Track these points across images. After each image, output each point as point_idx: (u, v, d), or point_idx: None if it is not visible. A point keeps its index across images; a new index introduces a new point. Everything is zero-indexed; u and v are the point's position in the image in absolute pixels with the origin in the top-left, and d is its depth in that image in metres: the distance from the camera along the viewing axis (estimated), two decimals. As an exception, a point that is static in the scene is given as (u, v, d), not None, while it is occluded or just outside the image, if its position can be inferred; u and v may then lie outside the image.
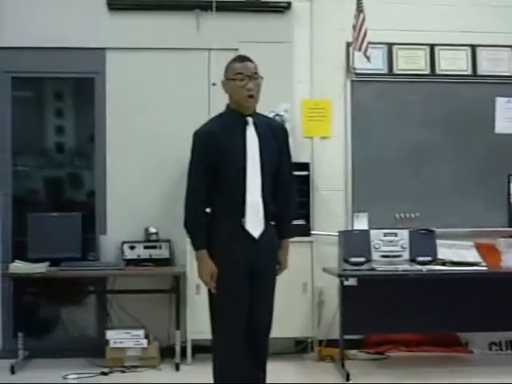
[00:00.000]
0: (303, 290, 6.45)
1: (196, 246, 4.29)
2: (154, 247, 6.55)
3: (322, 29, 6.94)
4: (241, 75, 4.22)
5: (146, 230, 6.59)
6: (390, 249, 6.11)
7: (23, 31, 6.70)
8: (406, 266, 6.05)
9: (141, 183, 6.73)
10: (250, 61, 4.30)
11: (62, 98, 7.44)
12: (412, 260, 6.10)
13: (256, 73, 4.27)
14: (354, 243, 6.15)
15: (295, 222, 4.90)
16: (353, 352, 6.60)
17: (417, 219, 6.81)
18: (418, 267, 6.04)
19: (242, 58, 4.32)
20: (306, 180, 6.61)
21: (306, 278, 6.45)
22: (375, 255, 6.09)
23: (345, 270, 6.08)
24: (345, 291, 6.03)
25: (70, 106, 7.41)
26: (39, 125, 7.24)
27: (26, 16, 6.73)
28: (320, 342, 6.60)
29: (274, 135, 4.37)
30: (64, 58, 6.74)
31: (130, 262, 6.47)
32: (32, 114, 7.27)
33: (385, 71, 7.01)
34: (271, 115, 6.01)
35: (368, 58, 6.49)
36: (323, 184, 6.87)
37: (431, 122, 7.01)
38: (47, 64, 6.75)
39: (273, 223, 4.39)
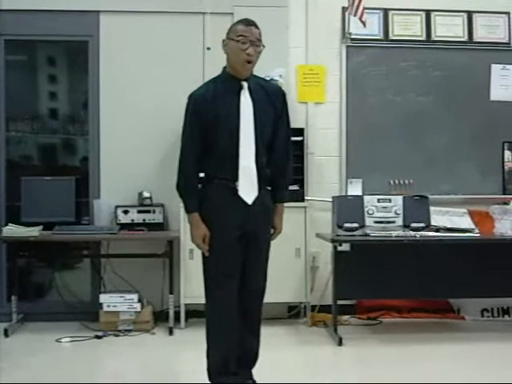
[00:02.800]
0: (296, 256, 6.46)
1: (188, 210, 4.30)
2: (148, 212, 6.54)
3: (317, -7, 6.90)
4: (243, 38, 4.17)
5: (140, 194, 6.59)
6: (384, 215, 6.13)
7: (16, -7, 6.64)
8: (400, 232, 6.06)
9: (134, 148, 6.71)
10: (256, 27, 4.23)
11: (55, 61, 7.40)
12: (405, 226, 6.12)
13: (259, 40, 4.22)
14: (347, 209, 6.16)
15: (289, 188, 4.89)
16: (345, 317, 6.64)
17: (411, 185, 6.82)
18: (412, 233, 6.05)
19: (249, 22, 4.24)
20: (300, 145, 6.59)
21: (299, 244, 6.46)
22: (369, 221, 6.11)
23: (338, 235, 6.09)
24: (338, 257, 6.05)
25: (63, 70, 7.38)
26: (33, 89, 7.19)
27: (19, -22, 6.68)
28: (313, 307, 6.63)
29: (270, 99, 4.33)
30: (57, 20, 6.66)
31: (123, 227, 6.46)
32: (25, 79, 7.23)
33: (380, 37, 6.97)
34: (266, 80, 6.00)
35: (364, 24, 6.46)
36: (317, 150, 6.86)
37: (426, 89, 7.00)
38: (40, 27, 6.67)
39: (268, 188, 4.39)
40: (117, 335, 6.16)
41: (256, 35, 4.21)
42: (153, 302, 6.52)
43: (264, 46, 4.25)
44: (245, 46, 4.17)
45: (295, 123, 6.43)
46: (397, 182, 6.87)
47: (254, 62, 4.24)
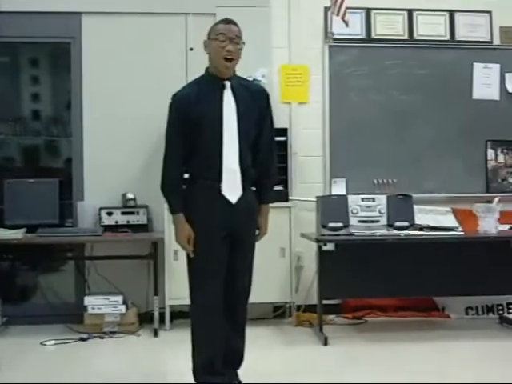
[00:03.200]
0: (281, 256, 6.47)
1: (173, 210, 4.30)
2: (132, 213, 6.53)
3: (300, -7, 6.91)
4: (222, 36, 4.19)
5: (124, 195, 6.57)
6: (368, 214, 6.12)
7: (-3, -5, 6.60)
8: (384, 231, 6.08)
9: (118, 149, 6.69)
10: (235, 24, 4.26)
11: (37, 63, 7.37)
12: (390, 225, 6.12)
13: (239, 37, 4.24)
14: (331, 208, 6.16)
15: (274, 188, 4.89)
16: (331, 317, 6.65)
17: (394, 184, 6.84)
18: (396, 232, 6.06)
19: (227, 21, 4.28)
20: (283, 145, 6.58)
21: (283, 244, 6.46)
22: (353, 220, 6.11)
23: (323, 235, 6.09)
24: (323, 256, 6.05)
25: (45, 71, 7.36)
26: (15, 91, 7.16)
27: (1, -20, 6.65)
28: (298, 307, 6.64)
29: (254, 99, 4.34)
30: (39, 22, 6.63)
31: (107, 228, 6.44)
32: (8, 80, 7.19)
33: (363, 36, 6.99)
34: (249, 80, 6.00)
35: (346, 23, 6.48)
36: (301, 150, 6.87)
37: (409, 88, 7.01)
38: (22, 28, 6.63)
39: (253, 188, 4.39)
40: (102, 337, 6.14)
41: (235, 32, 4.23)
42: (138, 303, 6.51)
43: (244, 43, 4.27)
44: (224, 44, 4.19)
45: (279, 123, 6.40)
46: (381, 181, 6.89)
47: (236, 59, 4.25)
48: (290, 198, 6.64)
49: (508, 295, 6.68)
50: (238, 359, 4.46)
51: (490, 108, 7.07)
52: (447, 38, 7.09)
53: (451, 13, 7.08)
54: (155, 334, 6.21)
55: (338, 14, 6.46)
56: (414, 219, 6.20)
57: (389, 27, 7.01)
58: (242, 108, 4.26)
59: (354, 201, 6.17)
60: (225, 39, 4.19)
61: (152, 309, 6.36)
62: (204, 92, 4.26)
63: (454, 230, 6.28)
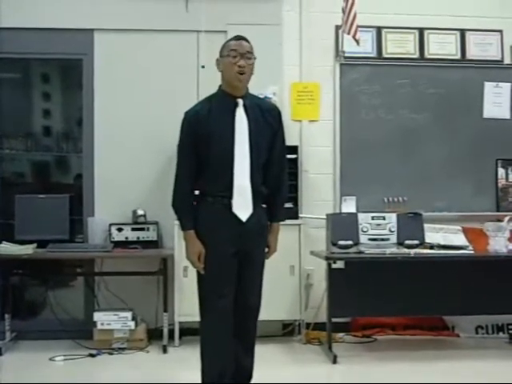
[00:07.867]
0: (291, 273, 6.46)
1: (184, 227, 4.31)
2: (142, 229, 6.53)
3: (311, 11, 6.92)
4: (234, 52, 4.23)
5: (134, 212, 6.58)
6: (378, 232, 6.11)
7: (10, 11, 6.61)
8: (394, 250, 6.06)
9: (129, 165, 6.71)
10: (246, 41, 4.30)
11: (49, 79, 7.41)
12: (400, 243, 6.10)
13: (250, 52, 4.27)
14: (341, 226, 6.15)
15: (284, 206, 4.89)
16: (340, 335, 6.63)
17: (405, 203, 6.83)
18: (406, 251, 6.04)
19: (238, 37, 4.32)
20: (294, 163, 6.60)
21: (293, 261, 6.46)
22: (363, 238, 6.09)
23: (332, 252, 6.08)
24: (332, 274, 6.04)
25: (57, 88, 7.39)
26: (27, 107, 7.19)
27: (14, -4, 6.69)
28: (307, 324, 6.61)
29: (266, 117, 4.36)
30: (52, 38, 6.67)
31: (117, 244, 6.44)
32: (19, 96, 7.23)
33: (374, 55, 7.01)
34: (260, 98, 6.01)
35: (357, 42, 6.47)
36: (311, 167, 6.87)
37: (419, 106, 7.02)
38: (35, 45, 6.67)
39: (264, 206, 4.40)
40: (111, 353, 6.13)
41: (246, 48, 4.26)
42: (147, 319, 6.50)
43: (255, 58, 4.29)
44: (236, 60, 4.22)
45: (289, 141, 6.35)
46: (391, 199, 6.88)
47: (248, 74, 4.28)
48: (300, 215, 6.65)
49: (518, 314, 6.66)
50: (246, 377, 4.45)
51: (501, 127, 7.06)
52: (458, 56, 7.09)
53: (462, 32, 7.09)
54: (164, 350, 6.20)
55: (349, 33, 6.46)
56: (424, 238, 6.19)
57: (400, 46, 7.02)
58: (254, 126, 4.27)
59: (363, 219, 6.16)
60: (236, 55, 4.22)
61: (161, 325, 6.35)
62: (216, 109, 4.28)
63: (464, 249, 6.27)
